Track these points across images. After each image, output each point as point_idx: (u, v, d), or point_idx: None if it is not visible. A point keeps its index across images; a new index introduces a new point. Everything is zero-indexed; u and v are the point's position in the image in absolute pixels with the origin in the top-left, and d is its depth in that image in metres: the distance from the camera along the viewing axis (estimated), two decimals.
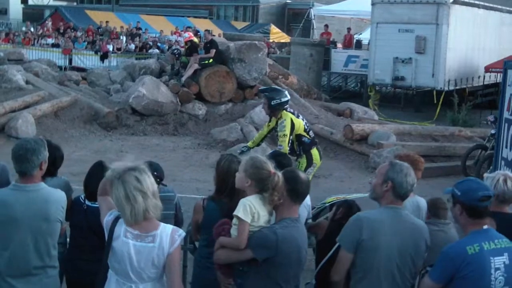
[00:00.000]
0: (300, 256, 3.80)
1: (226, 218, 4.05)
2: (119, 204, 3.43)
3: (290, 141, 7.31)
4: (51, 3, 58.04)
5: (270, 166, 3.80)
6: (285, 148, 7.17)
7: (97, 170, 4.59)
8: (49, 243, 3.95)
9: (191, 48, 16.63)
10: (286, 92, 7.66)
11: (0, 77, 15.91)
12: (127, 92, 15.91)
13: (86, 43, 27.67)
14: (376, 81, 21.46)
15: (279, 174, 3.78)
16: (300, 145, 7.44)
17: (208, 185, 8.61)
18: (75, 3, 61.39)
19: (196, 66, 15.80)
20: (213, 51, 15.95)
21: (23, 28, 33.40)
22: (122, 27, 31.27)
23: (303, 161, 7.46)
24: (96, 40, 27.71)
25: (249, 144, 8.04)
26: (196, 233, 4.67)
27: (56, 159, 4.76)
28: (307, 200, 4.72)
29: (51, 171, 4.67)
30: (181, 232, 3.57)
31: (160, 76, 16.99)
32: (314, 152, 7.56)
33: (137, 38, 28.53)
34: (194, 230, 4.68)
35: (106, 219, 3.57)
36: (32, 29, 30.53)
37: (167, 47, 26.86)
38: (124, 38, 28.88)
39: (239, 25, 43.22)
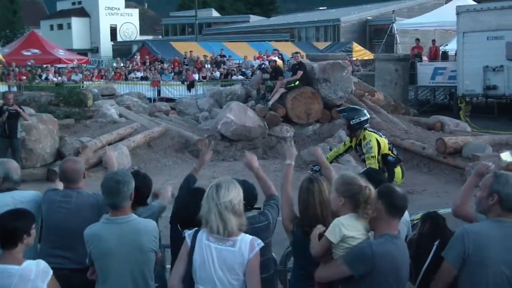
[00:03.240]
0: (400, 274, 3.67)
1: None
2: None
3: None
4: (138, 38, 60.52)
5: (361, 181, 3.76)
6: None
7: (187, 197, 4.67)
8: (145, 274, 4.04)
9: (276, 72, 16.76)
10: (365, 111, 7.42)
11: (96, 112, 16.64)
12: (215, 119, 16.22)
13: (172, 74, 28.46)
14: (466, 92, 20.82)
15: (370, 187, 3.73)
16: (385, 164, 7.23)
17: None
18: (160, 37, 63.72)
19: (282, 90, 15.87)
20: (300, 73, 15.97)
21: (114, 64, 34.85)
22: (206, 56, 32.00)
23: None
24: (182, 70, 28.44)
25: None
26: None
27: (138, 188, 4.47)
28: (406, 216, 4.60)
29: (140, 201, 4.63)
30: (260, 242, 3.68)
31: (246, 101, 17.21)
32: (397, 170, 7.27)
33: (222, 66, 29.09)
34: None
35: (188, 233, 3.79)
36: (122, 64, 31.78)
37: (251, 73, 27.22)
38: (209, 67, 29.51)
39: (321, 45, 43.27)
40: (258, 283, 3.66)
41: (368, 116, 7.37)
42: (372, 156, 6.99)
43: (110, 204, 4.05)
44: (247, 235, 3.68)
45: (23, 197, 4.74)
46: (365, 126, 7.22)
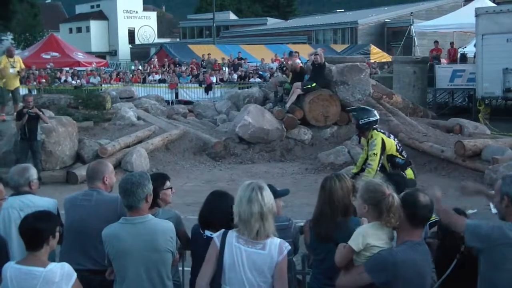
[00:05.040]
0: (424, 282, 3.64)
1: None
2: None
3: (381, 162, 7.15)
4: (156, 41, 60.81)
5: (386, 188, 3.72)
6: (374, 167, 7.05)
7: (212, 200, 4.65)
8: (162, 274, 4.06)
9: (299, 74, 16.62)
10: (375, 112, 7.53)
11: (114, 115, 16.74)
12: (233, 122, 16.23)
13: (190, 76, 28.55)
14: (486, 94, 20.63)
15: (394, 195, 3.68)
16: (393, 167, 7.22)
17: None
18: (178, 39, 63.96)
19: (299, 91, 15.84)
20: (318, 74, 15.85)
21: (132, 67, 35.02)
22: (223, 58, 32.06)
23: None
24: (200, 73, 28.54)
25: (354, 170, 7.91)
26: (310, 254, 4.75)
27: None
28: None
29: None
30: (287, 245, 3.72)
31: (264, 103, 17.21)
32: (409, 172, 7.30)
33: (239, 68, 29.13)
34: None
35: (216, 234, 3.78)
36: (140, 67, 31.90)
37: (268, 75, 27.23)
38: (227, 69, 29.57)
39: (339, 47, 43.11)
40: (286, 285, 3.70)
41: (378, 117, 7.49)
42: (374, 153, 7.11)
43: (126, 204, 4.09)
44: (276, 238, 3.71)
45: (33, 202, 4.75)
46: (374, 126, 7.29)
